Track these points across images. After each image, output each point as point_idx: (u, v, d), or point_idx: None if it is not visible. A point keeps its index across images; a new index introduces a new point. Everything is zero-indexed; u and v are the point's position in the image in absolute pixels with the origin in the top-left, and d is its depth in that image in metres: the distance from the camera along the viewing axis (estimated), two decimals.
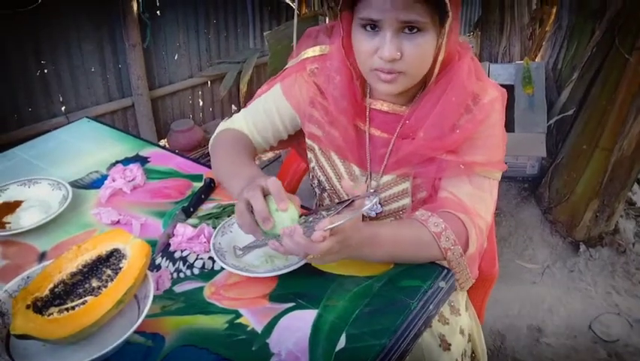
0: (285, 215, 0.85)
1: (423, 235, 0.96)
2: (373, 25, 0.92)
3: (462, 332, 1.15)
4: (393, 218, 1.13)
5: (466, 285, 1.07)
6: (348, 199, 0.87)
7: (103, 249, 0.88)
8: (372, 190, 1.10)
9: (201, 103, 3.31)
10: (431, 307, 0.90)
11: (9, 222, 1.09)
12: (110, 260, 0.87)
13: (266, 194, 0.87)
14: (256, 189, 0.86)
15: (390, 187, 1.10)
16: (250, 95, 3.34)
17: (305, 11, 2.72)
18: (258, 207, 0.84)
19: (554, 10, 2.98)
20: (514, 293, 2.09)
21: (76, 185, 1.20)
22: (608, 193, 2.13)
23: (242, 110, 1.24)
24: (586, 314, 2.04)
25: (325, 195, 1.22)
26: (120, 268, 0.84)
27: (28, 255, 1.01)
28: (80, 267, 0.86)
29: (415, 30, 0.90)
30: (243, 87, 3.09)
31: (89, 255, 0.87)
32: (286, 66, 1.23)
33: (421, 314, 0.88)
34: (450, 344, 1.09)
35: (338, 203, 0.90)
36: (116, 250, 0.88)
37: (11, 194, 1.15)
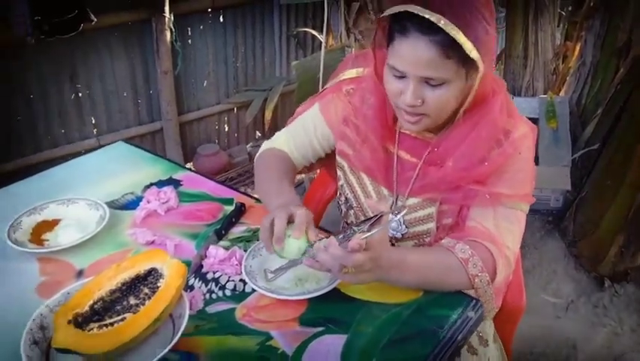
0: (294, 243, 0.92)
1: (450, 261, 0.98)
2: (400, 72, 0.96)
3: None
4: (416, 241, 1.14)
5: (490, 314, 1.08)
6: (375, 216, 0.89)
7: (141, 268, 0.91)
8: (396, 211, 1.13)
9: (227, 128, 3.38)
10: (460, 337, 0.91)
11: (47, 240, 1.13)
12: (148, 279, 0.90)
13: (291, 221, 0.94)
14: (283, 212, 0.94)
15: (416, 210, 1.12)
16: (275, 122, 3.42)
17: (332, 43, 2.78)
18: (277, 228, 0.93)
19: (578, 47, 3.01)
20: (538, 328, 2.06)
21: (112, 205, 1.24)
22: (633, 229, 2.11)
23: (283, 129, 1.29)
24: (611, 352, 2.00)
25: (352, 212, 1.25)
26: (158, 287, 0.87)
27: (66, 272, 1.04)
28: (119, 285, 0.89)
29: (439, 83, 0.94)
30: (269, 114, 3.15)
31: (127, 273, 0.90)
32: (325, 87, 1.28)
33: (450, 344, 0.89)
34: None
35: (363, 221, 0.92)
36: (154, 270, 0.91)
37: (50, 213, 1.19)
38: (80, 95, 2.64)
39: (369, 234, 0.83)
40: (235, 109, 3.35)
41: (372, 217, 0.90)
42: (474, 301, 0.97)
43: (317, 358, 0.85)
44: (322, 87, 2.13)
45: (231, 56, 3.20)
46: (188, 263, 1.04)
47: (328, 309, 0.95)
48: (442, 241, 1.03)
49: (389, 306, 0.96)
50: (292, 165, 1.23)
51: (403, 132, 1.13)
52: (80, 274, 1.04)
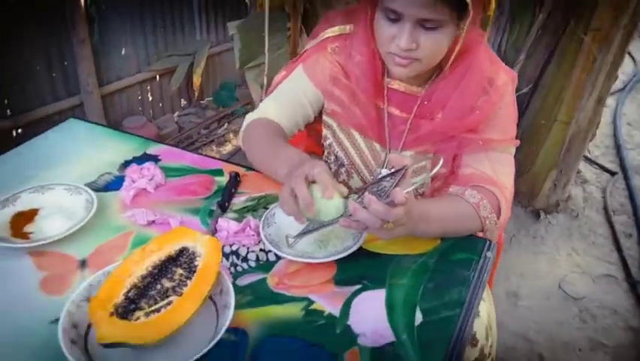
0: (331, 203, 0.87)
1: (464, 207, 1.03)
2: (395, 15, 0.96)
3: (483, 299, 1.23)
4: (412, 193, 1.18)
5: None
6: (398, 169, 0.89)
7: (171, 249, 0.85)
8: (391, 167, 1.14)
9: (151, 98, 3.19)
10: (485, 276, 0.96)
11: (31, 232, 1.02)
12: (180, 259, 0.85)
13: (311, 181, 0.89)
14: (300, 178, 0.89)
15: (411, 165, 1.15)
16: (203, 87, 3.28)
17: (261, 0, 2.69)
18: (302, 196, 0.87)
19: None
20: None
21: (90, 188, 1.14)
22: (565, 163, 2.32)
23: (265, 99, 1.24)
24: (554, 276, 2.22)
25: (343, 170, 1.25)
26: (195, 266, 0.83)
27: (66, 264, 0.95)
28: (150, 269, 0.83)
29: (434, 26, 0.96)
30: (197, 80, 3.02)
31: (156, 256, 0.84)
32: (305, 48, 1.25)
33: (479, 283, 0.94)
34: (479, 312, 1.16)
35: (385, 176, 0.92)
36: (185, 249, 0.86)
37: (25, 202, 1.07)
38: None
39: (412, 188, 0.84)
40: (158, 77, 3.16)
41: (396, 171, 0.91)
42: (488, 242, 1.03)
43: (364, 314, 0.87)
44: (267, 49, 2.09)
45: (149, 21, 2.99)
46: None
47: (359, 267, 0.96)
48: (450, 189, 1.08)
49: (414, 257, 0.99)
50: (282, 131, 1.19)
51: (392, 88, 1.15)
52: (83, 264, 0.95)
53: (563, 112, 2.19)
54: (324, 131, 1.26)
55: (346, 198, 0.90)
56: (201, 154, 1.32)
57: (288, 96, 1.21)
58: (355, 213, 0.85)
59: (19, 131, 2.52)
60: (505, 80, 1.11)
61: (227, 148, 3.15)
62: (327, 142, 1.26)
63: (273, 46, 2.14)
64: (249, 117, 1.21)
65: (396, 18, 0.96)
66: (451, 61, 1.05)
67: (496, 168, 1.10)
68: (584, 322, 2.00)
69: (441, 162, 0.98)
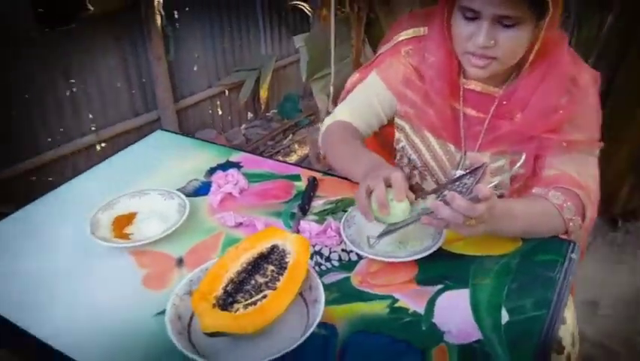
0: (399, 206, 0.93)
1: (547, 208, 1.02)
2: (473, 14, 0.97)
3: (567, 306, 1.21)
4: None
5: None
6: (477, 167, 0.91)
7: (262, 247, 0.91)
8: (467, 168, 1.16)
9: (220, 112, 3.33)
10: (570, 277, 0.95)
11: (131, 233, 1.10)
12: (271, 257, 0.90)
13: (387, 185, 0.94)
14: (380, 179, 0.94)
15: (488, 165, 1.15)
16: (269, 100, 3.38)
17: (325, 13, 2.76)
18: (380, 196, 0.92)
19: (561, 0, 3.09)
20: None
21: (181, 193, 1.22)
22: None
23: (340, 104, 1.29)
24: (634, 285, 2.12)
25: (416, 172, 1.27)
26: (286, 263, 0.88)
27: (165, 262, 1.03)
28: (244, 265, 0.89)
29: (512, 23, 0.96)
30: (264, 93, 3.12)
31: (250, 253, 0.90)
32: (378, 52, 1.28)
33: (565, 284, 0.93)
34: (565, 318, 1.15)
35: (464, 174, 0.94)
36: (275, 247, 0.91)
37: (124, 207, 1.17)
38: (75, 90, 2.53)
39: (492, 184, 0.85)
40: (227, 91, 3.30)
41: (474, 169, 0.92)
42: (572, 243, 1.02)
43: (449, 312, 0.88)
44: (333, 59, 2.15)
45: (218, 37, 3.13)
46: None
47: (440, 267, 0.98)
48: (534, 190, 1.07)
49: (496, 258, 1.00)
50: (359, 133, 1.23)
51: (468, 88, 1.15)
52: (180, 262, 1.03)
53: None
54: (397, 135, 1.28)
55: (421, 199, 0.94)
56: (279, 161, 1.38)
57: (361, 100, 1.25)
58: (437, 210, 0.87)
59: (103, 144, 2.70)
60: (588, 79, 1.09)
61: (293, 158, 3.23)
62: (400, 145, 1.28)
63: (339, 56, 2.19)
64: (327, 121, 1.26)
65: (473, 16, 0.97)
66: (530, 60, 1.05)
67: (581, 171, 1.08)
68: None
69: (523, 157, 0.97)
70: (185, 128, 3.10)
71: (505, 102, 1.12)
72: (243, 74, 3.22)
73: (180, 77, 2.99)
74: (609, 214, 2.40)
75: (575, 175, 1.07)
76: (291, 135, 3.47)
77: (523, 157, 0.98)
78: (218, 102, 3.29)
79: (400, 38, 1.24)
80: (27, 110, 2.37)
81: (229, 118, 3.40)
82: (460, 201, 0.84)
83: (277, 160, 1.40)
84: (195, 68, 3.08)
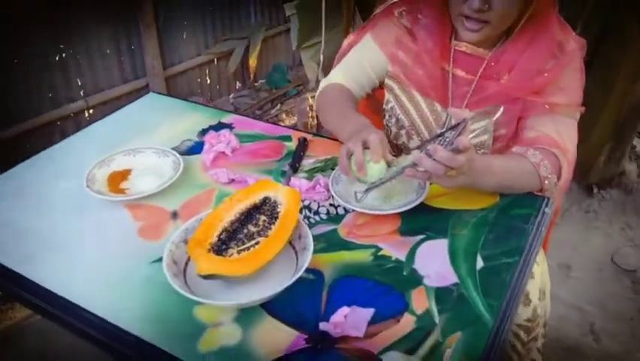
0: (375, 167, 0.99)
1: (525, 165, 1.08)
2: None
3: (537, 262, 1.28)
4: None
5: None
6: (459, 123, 0.96)
7: (255, 198, 0.96)
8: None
9: (209, 81, 3.34)
10: (543, 229, 1.02)
11: (127, 188, 1.15)
12: (264, 208, 0.95)
13: (365, 147, 1.00)
14: (358, 141, 1.00)
15: (471, 124, 1.20)
16: (259, 69, 3.38)
17: None
18: (357, 157, 0.99)
19: None
20: None
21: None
22: (620, 137, 2.30)
23: (335, 67, 1.33)
24: (606, 249, 2.23)
25: (403, 132, 1.31)
26: (277, 213, 0.93)
27: (160, 215, 1.08)
28: (237, 215, 0.94)
29: None
30: (253, 62, 3.14)
31: (243, 204, 0.95)
32: (374, 13, 1.32)
33: (537, 235, 1.00)
34: (533, 273, 1.22)
35: (447, 129, 0.99)
36: (267, 198, 0.96)
37: (119, 164, 1.21)
38: (64, 55, 2.53)
39: (472, 135, 0.91)
40: (216, 60, 3.31)
41: (456, 125, 0.98)
42: (546, 199, 1.09)
43: (428, 259, 0.95)
44: (324, 28, 2.17)
45: (207, 6, 3.12)
46: None
47: (422, 220, 1.04)
48: (513, 149, 1.13)
49: (475, 211, 1.06)
50: (352, 95, 1.28)
51: (458, 50, 1.19)
52: (174, 215, 1.08)
53: (620, 85, 2.18)
54: (387, 95, 1.32)
55: (405, 155, 1.00)
56: (270, 123, 1.43)
57: (354, 64, 1.30)
58: (420, 161, 0.92)
59: (91, 111, 2.71)
60: (575, 46, 1.14)
61: None
62: (389, 105, 1.32)
63: (330, 25, 2.22)
64: (323, 82, 1.31)
65: None
66: (520, 25, 1.09)
67: (561, 131, 1.13)
68: (636, 293, 2.01)
69: (501, 109, 1.02)
70: (174, 96, 3.10)
71: (493, 64, 1.16)
72: (232, 42, 3.22)
73: (169, 44, 2.98)
74: (586, 182, 2.49)
75: (555, 136, 1.13)
76: (279, 105, 3.50)
77: (501, 109, 1.02)
78: (207, 71, 3.30)
79: (394, 0, 1.27)
80: (15, 75, 2.37)
81: (217, 87, 3.41)
82: (441, 152, 0.89)
83: (278, 124, 1.44)
84: (185, 36, 3.08)
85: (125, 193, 1.13)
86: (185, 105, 1.52)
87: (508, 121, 1.19)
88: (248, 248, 0.88)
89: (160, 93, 1.61)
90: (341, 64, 1.33)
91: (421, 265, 0.94)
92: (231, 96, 3.50)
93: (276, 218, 0.92)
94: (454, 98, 1.22)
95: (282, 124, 3.40)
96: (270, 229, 0.91)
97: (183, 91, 3.19)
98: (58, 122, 2.60)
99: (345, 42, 1.39)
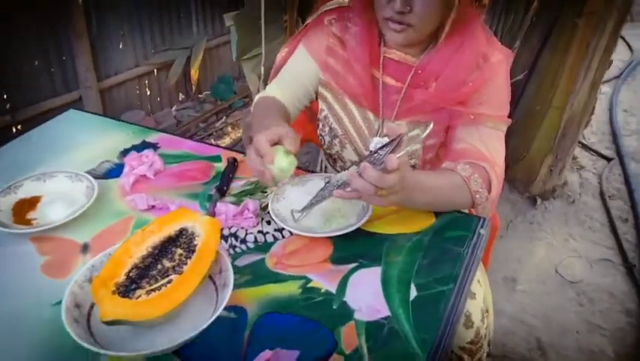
0: (274, 167, 0.92)
1: (455, 180, 1.06)
2: None
3: (479, 282, 1.25)
4: (407, 161, 1.20)
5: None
6: (394, 139, 0.92)
7: (170, 230, 0.87)
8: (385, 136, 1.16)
9: (149, 93, 3.21)
10: (478, 252, 0.98)
11: (35, 219, 1.04)
12: (180, 240, 0.87)
13: (277, 142, 0.94)
14: (261, 134, 0.94)
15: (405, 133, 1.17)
16: (201, 80, 3.28)
17: None
18: (261, 148, 0.92)
19: None
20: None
21: (91, 175, 1.16)
22: (560, 149, 2.34)
23: (270, 82, 1.28)
24: (550, 261, 2.24)
25: (336, 141, 1.27)
26: (195, 246, 0.85)
27: (69, 248, 0.98)
28: (150, 249, 0.85)
29: None
30: (195, 73, 3.03)
31: (156, 237, 0.86)
32: (305, 23, 1.29)
33: (473, 259, 0.96)
34: (474, 293, 1.19)
35: (382, 146, 0.95)
36: (184, 229, 0.88)
37: (27, 190, 1.10)
38: None
39: (401, 154, 0.86)
40: (155, 71, 3.18)
41: (391, 141, 0.93)
42: (482, 219, 1.05)
43: (360, 290, 0.89)
44: (264, 37, 2.11)
45: (146, 15, 3.00)
46: None
47: (355, 246, 0.98)
48: (444, 164, 1.10)
49: (409, 235, 1.01)
50: (281, 105, 1.22)
51: (388, 57, 1.16)
52: (85, 248, 0.97)
53: (558, 97, 2.21)
54: (320, 104, 1.29)
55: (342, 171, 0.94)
56: (200, 141, 1.34)
57: (290, 77, 1.26)
58: (350, 180, 0.87)
59: (19, 127, 2.54)
60: (500, 58, 1.13)
61: (226, 141, 3.17)
62: (323, 114, 1.28)
63: (270, 36, 2.15)
64: (257, 96, 1.26)
65: None
66: (445, 32, 1.08)
67: (487, 143, 1.12)
68: (581, 305, 2.02)
69: (431, 125, 0.99)
70: (111, 109, 2.96)
71: (420, 71, 1.14)
72: (172, 53, 3.11)
73: (104, 55, 2.84)
74: (529, 194, 2.51)
75: (482, 149, 1.11)
76: (224, 118, 3.40)
77: (431, 126, 0.99)
78: (147, 82, 3.17)
79: (325, 9, 1.24)
80: None
81: (158, 99, 3.28)
82: (370, 171, 0.84)
83: (207, 143, 1.36)
84: (121, 46, 2.94)
85: (32, 224, 1.02)
86: (108, 123, 1.41)
87: (437, 131, 1.17)
88: (159, 288, 0.79)
89: (81, 110, 1.49)
90: (277, 78, 1.28)
91: (352, 297, 0.87)
92: (174, 108, 3.38)
93: (193, 252, 0.84)
94: (384, 106, 1.19)
95: (228, 137, 3.36)
96: (186, 263, 0.83)
97: (121, 104, 3.05)
98: None
99: (279, 55, 1.34)
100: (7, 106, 2.48)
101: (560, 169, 2.43)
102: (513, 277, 2.15)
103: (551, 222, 2.44)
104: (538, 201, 2.50)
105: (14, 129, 2.53)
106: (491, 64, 1.11)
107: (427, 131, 0.98)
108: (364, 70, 1.16)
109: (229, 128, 3.29)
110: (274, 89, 1.25)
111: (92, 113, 1.48)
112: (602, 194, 2.63)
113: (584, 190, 2.64)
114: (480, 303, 1.18)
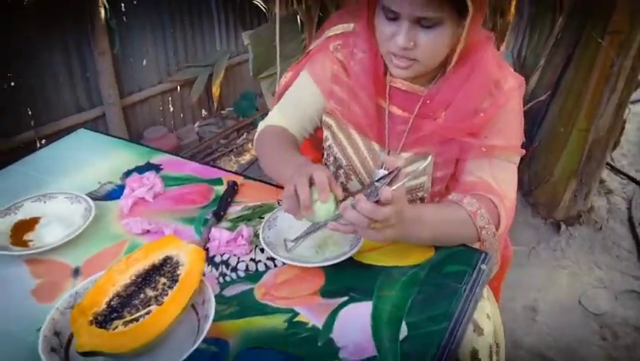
0: (323, 206, 0.89)
1: (460, 214, 1.00)
2: (393, 14, 0.95)
3: (488, 316, 1.19)
4: (410, 196, 1.16)
5: (495, 267, 1.11)
6: (392, 171, 0.88)
7: (155, 258, 0.86)
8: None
9: (172, 109, 3.25)
10: (478, 289, 0.93)
11: (31, 240, 1.04)
12: (164, 268, 0.85)
13: (312, 183, 0.90)
14: (303, 177, 0.90)
15: (409, 164, 1.13)
16: (223, 98, 3.31)
17: (275, 11, 2.72)
18: (303, 196, 0.88)
19: (514, 2, 3.11)
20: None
21: (91, 197, 1.15)
22: (585, 173, 2.24)
23: (273, 107, 1.25)
24: (574, 290, 2.15)
25: (341, 171, 1.23)
26: (178, 275, 0.83)
27: (60, 271, 0.97)
28: (133, 278, 0.84)
29: (432, 24, 0.94)
30: (216, 90, 3.06)
31: (141, 265, 0.85)
32: (310, 48, 1.25)
33: (471, 297, 0.91)
34: (482, 329, 1.13)
35: (380, 178, 0.91)
36: (169, 258, 0.86)
37: (27, 211, 1.10)
38: (13, 84, 2.42)
39: (396, 186, 0.83)
40: (179, 88, 3.22)
41: (389, 173, 0.90)
42: (483, 254, 1.00)
43: (348, 327, 0.85)
44: (279, 55, 2.11)
45: (169, 31, 3.05)
46: None
47: (347, 278, 0.95)
48: (450, 196, 1.06)
49: (405, 268, 0.97)
50: (292, 136, 1.20)
51: (394, 86, 1.12)
52: (76, 272, 0.97)
53: (582, 119, 2.13)
54: (325, 133, 1.25)
55: (343, 201, 0.90)
56: (206, 163, 1.33)
57: (294, 103, 1.22)
58: (344, 212, 0.84)
59: (43, 141, 2.60)
60: (513, 84, 1.08)
61: (246, 158, 3.18)
62: (327, 143, 1.25)
63: (286, 55, 2.15)
64: (261, 124, 1.23)
65: (394, 17, 0.95)
66: (454, 61, 1.02)
67: (498, 176, 1.07)
68: (604, 339, 1.92)
69: (429, 158, 0.95)
70: (134, 125, 3.01)
71: (428, 101, 1.09)
72: (195, 70, 3.14)
73: (127, 72, 2.89)
74: (553, 219, 2.42)
75: (492, 181, 1.06)
76: (245, 134, 3.41)
77: (429, 159, 0.95)
78: (170, 99, 3.21)
79: (330, 34, 1.21)
80: None
81: (181, 115, 3.32)
82: (364, 203, 0.81)
83: (211, 165, 1.34)
84: (144, 63, 2.99)
85: (29, 246, 1.03)
86: (115, 143, 1.42)
87: (446, 163, 1.12)
88: (137, 319, 0.77)
89: (91, 129, 1.50)
90: (280, 103, 1.25)
91: (339, 333, 0.84)
92: (196, 125, 3.41)
93: (176, 281, 0.82)
94: (390, 136, 1.15)
95: (248, 153, 3.37)
96: (167, 293, 0.81)
97: (144, 120, 3.09)
98: (8, 154, 2.47)
99: (282, 80, 1.31)
100: (32, 122, 2.54)
101: (585, 193, 2.33)
102: (533, 307, 2.06)
103: (576, 250, 2.34)
104: (563, 227, 2.40)
105: (38, 144, 2.58)
106: (504, 91, 1.06)
107: (425, 164, 0.94)
108: (369, 99, 1.12)
109: (250, 145, 3.30)
110: (279, 118, 1.21)
111: (101, 132, 1.49)
112: (630, 220, 2.51)
113: (611, 216, 2.52)
114: (488, 339, 1.12)
